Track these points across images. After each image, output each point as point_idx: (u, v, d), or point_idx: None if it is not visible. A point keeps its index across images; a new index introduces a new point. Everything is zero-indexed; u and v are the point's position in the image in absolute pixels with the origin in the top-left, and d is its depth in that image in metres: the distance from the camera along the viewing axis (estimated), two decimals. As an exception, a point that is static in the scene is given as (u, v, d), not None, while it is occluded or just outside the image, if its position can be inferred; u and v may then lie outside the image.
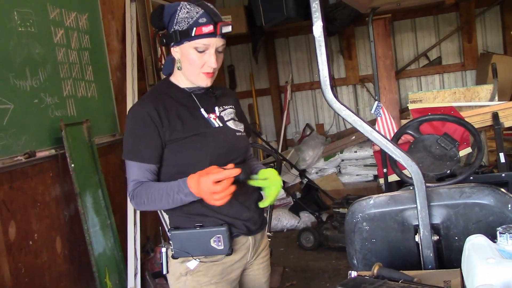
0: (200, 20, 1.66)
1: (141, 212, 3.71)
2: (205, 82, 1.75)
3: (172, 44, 1.72)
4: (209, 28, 1.65)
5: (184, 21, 1.67)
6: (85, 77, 3.54)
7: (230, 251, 1.74)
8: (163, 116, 1.70)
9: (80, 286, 3.23)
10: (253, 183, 1.75)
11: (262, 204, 1.80)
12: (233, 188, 1.57)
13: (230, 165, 1.60)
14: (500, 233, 1.34)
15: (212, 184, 1.55)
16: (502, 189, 1.65)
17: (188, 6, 1.68)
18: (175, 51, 1.74)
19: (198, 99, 1.79)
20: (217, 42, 1.69)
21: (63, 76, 3.27)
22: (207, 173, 1.58)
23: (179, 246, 1.74)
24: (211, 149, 1.71)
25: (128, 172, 1.73)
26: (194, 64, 1.70)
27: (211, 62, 1.70)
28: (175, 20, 1.69)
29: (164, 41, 1.74)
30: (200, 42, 1.67)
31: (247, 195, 1.80)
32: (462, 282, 1.36)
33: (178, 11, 1.68)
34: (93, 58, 3.67)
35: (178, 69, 1.76)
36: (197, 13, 1.66)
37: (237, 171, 1.57)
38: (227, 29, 1.68)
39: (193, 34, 1.66)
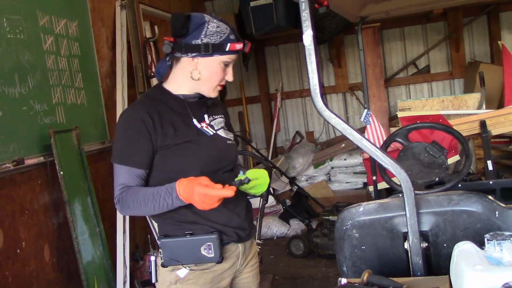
0: (231, 37, 1.73)
1: (130, 220, 3.69)
2: (216, 94, 1.83)
3: (196, 54, 1.72)
4: (240, 46, 1.74)
5: (216, 35, 1.71)
6: (74, 84, 3.53)
7: (220, 259, 1.74)
8: (156, 122, 1.70)
9: (68, 294, 3.20)
10: (245, 188, 1.77)
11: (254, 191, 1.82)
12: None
13: (219, 186, 1.57)
14: (487, 240, 1.36)
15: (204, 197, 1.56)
16: (490, 196, 1.66)
17: (215, 21, 1.73)
18: (195, 62, 1.74)
19: (189, 107, 1.80)
20: (236, 58, 1.80)
21: (52, 83, 3.25)
22: (199, 183, 1.57)
23: (169, 254, 1.73)
24: (202, 157, 1.72)
25: (116, 176, 1.72)
26: (218, 76, 1.77)
27: (229, 76, 1.80)
28: (204, 31, 1.70)
29: (183, 49, 1.72)
30: (230, 57, 1.75)
31: (236, 202, 1.80)
32: (451, 289, 1.37)
33: (207, 23, 1.71)
34: (82, 65, 3.65)
35: (194, 79, 1.76)
36: (226, 29, 1.73)
37: (231, 194, 1.57)
38: (249, 47, 1.80)
39: (227, 49, 1.72)
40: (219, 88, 1.81)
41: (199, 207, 1.58)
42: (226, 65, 1.76)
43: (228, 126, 1.93)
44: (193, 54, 1.72)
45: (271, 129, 7.24)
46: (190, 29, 1.71)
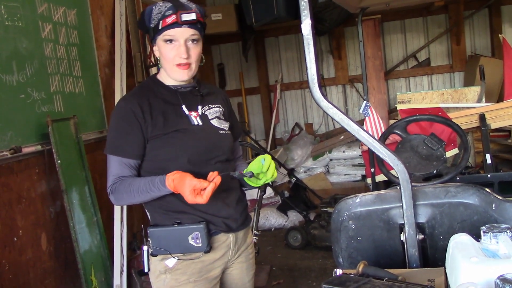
0: (166, 13, 1.68)
1: (128, 210, 3.69)
2: (181, 75, 1.74)
3: (153, 44, 1.77)
4: (172, 18, 1.67)
5: (156, 17, 1.70)
6: (73, 73, 3.51)
7: (208, 248, 1.73)
8: (146, 112, 1.71)
9: (65, 283, 3.20)
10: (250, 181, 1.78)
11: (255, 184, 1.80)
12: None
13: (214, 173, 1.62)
14: (484, 232, 1.35)
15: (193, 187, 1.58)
16: (487, 189, 1.66)
17: (161, 4, 1.71)
18: (156, 50, 1.77)
19: (182, 97, 1.79)
20: (184, 32, 1.68)
21: (50, 71, 3.24)
22: (190, 175, 1.60)
23: (157, 243, 1.74)
24: (190, 146, 1.73)
25: (109, 167, 1.74)
26: (166, 57, 1.72)
27: (180, 52, 1.69)
28: (151, 19, 1.72)
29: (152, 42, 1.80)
30: (166, 34, 1.69)
31: (227, 192, 1.79)
32: (446, 281, 1.37)
33: (153, 10, 1.72)
34: (81, 53, 3.64)
35: (160, 67, 1.79)
36: (165, 7, 1.69)
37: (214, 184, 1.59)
38: (188, 17, 1.66)
39: (160, 27, 1.69)
40: (177, 68, 1.71)
41: (189, 199, 1.59)
42: (169, 42, 1.69)
43: (226, 116, 1.90)
44: (153, 44, 1.77)
45: (270, 120, 7.23)
46: (146, 23, 1.73)
